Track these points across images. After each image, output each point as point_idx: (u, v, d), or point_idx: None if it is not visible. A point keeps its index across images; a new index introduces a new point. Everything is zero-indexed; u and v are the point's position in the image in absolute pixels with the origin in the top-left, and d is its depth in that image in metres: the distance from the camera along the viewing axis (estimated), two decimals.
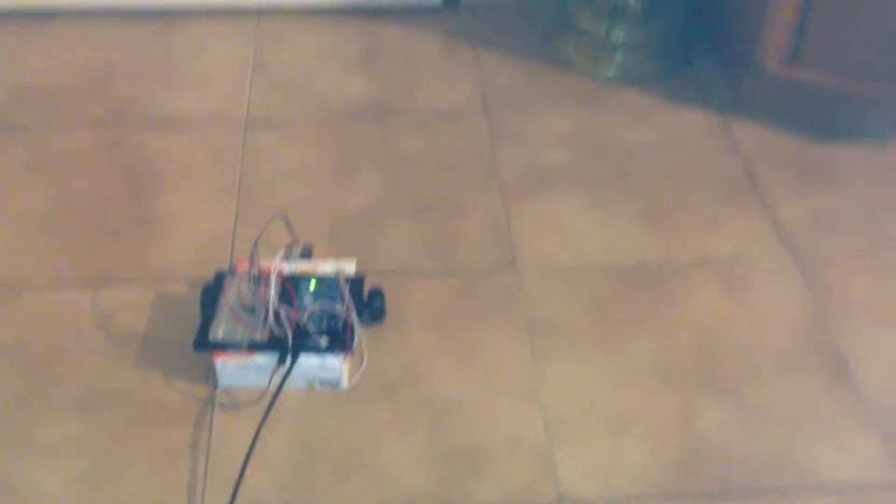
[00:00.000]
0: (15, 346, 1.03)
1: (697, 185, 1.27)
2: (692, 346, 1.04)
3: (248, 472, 0.89)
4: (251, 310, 0.98)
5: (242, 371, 0.97)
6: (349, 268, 1.05)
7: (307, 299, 0.99)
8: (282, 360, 0.96)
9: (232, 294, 1.00)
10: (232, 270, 1.04)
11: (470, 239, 1.18)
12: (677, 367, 1.02)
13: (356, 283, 1.03)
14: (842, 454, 0.94)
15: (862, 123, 1.34)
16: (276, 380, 0.96)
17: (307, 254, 1.06)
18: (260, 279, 0.98)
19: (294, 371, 0.96)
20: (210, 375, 0.99)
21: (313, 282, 1.00)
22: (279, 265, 0.99)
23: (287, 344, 0.96)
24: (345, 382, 0.99)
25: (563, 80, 1.46)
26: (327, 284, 1.00)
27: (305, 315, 0.97)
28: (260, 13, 1.59)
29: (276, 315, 0.96)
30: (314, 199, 1.22)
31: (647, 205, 1.23)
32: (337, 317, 0.98)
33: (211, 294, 1.01)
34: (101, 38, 1.53)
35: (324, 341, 0.96)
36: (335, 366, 0.97)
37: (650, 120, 1.38)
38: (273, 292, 0.96)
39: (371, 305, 1.04)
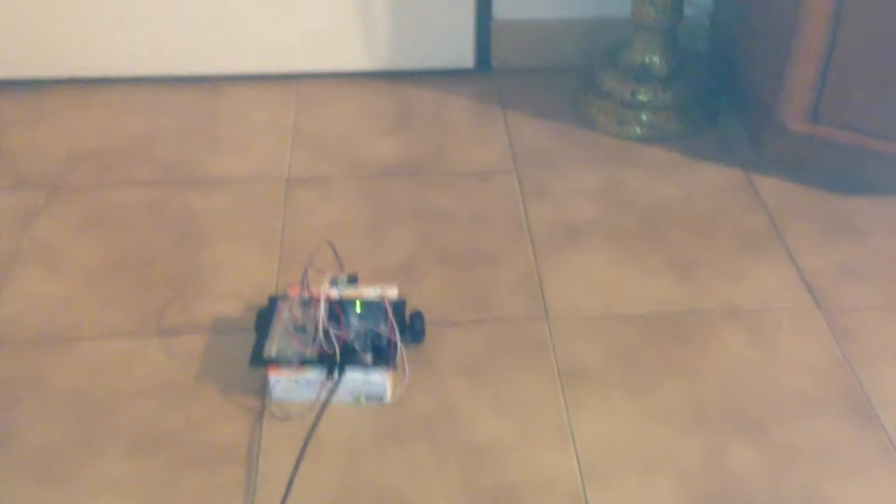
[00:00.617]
0: (71, 392, 1.11)
1: (723, 237, 1.34)
2: (719, 390, 1.11)
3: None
4: (302, 329, 1.10)
5: (294, 385, 1.08)
6: (391, 293, 1.15)
7: (353, 320, 1.11)
8: (330, 375, 1.06)
9: (284, 315, 1.11)
10: (284, 295, 1.14)
11: (503, 289, 1.26)
12: (705, 410, 1.08)
13: (398, 305, 1.14)
14: (869, 494, 0.99)
15: (883, 179, 1.41)
16: (325, 393, 1.06)
17: (353, 281, 1.17)
18: (310, 301, 1.09)
19: (341, 385, 1.07)
20: (263, 391, 1.09)
21: (359, 304, 1.12)
22: (328, 288, 1.10)
23: (335, 360, 1.06)
24: (388, 397, 1.09)
25: (590, 139, 1.56)
26: (372, 307, 1.12)
27: (352, 334, 1.08)
28: (298, 78, 1.72)
29: (326, 334, 1.07)
30: (353, 251, 1.31)
31: (675, 256, 1.31)
32: (381, 336, 1.09)
33: (265, 316, 1.13)
34: (148, 104, 1.66)
35: (369, 358, 1.07)
36: (380, 380, 1.07)
37: (675, 176, 1.47)
38: (323, 313, 1.07)
39: (412, 327, 1.15)
